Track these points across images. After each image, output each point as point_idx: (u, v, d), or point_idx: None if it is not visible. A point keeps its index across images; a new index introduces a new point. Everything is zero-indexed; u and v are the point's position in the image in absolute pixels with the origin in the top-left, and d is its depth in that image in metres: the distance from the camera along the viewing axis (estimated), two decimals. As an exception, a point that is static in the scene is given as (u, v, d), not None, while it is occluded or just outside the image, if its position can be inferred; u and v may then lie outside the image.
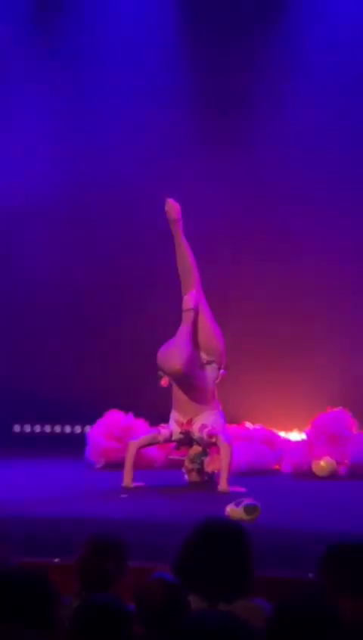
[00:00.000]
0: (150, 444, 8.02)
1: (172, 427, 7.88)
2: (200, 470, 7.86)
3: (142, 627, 3.48)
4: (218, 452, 7.70)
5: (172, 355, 7.75)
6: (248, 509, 6.28)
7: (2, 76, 10.67)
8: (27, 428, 10.69)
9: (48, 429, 10.65)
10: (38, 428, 10.68)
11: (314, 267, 10.01)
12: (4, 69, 10.66)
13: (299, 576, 4.87)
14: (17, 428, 10.67)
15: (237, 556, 3.66)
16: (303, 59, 10.15)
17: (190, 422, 7.83)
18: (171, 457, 8.27)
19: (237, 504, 6.32)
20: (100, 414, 9.15)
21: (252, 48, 10.16)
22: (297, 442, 8.91)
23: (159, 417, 8.20)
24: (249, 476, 8.15)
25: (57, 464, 8.96)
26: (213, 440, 7.71)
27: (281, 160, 10.16)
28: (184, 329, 7.90)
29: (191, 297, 7.96)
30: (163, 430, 7.88)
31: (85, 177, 10.41)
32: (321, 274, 9.98)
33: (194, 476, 7.88)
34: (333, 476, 8.41)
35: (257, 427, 9.14)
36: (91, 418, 9.27)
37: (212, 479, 7.81)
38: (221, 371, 7.94)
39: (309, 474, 8.46)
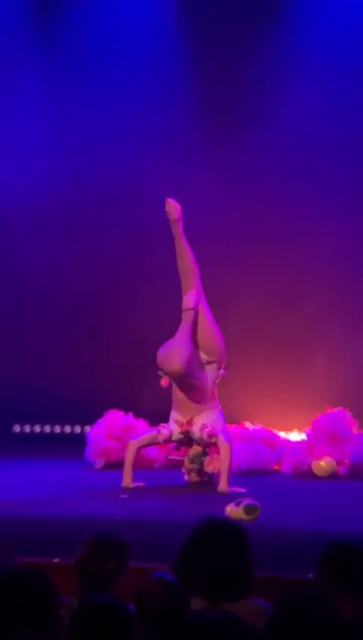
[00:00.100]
0: (149, 444, 8.02)
1: (172, 427, 7.88)
2: (200, 471, 7.87)
3: (142, 627, 3.48)
4: (218, 452, 7.70)
5: (172, 355, 7.75)
6: (248, 509, 6.28)
7: (2, 76, 10.67)
8: (27, 428, 10.70)
9: (47, 429, 10.66)
10: (38, 428, 10.68)
11: (315, 267, 10.01)
12: (5, 69, 10.66)
13: (299, 576, 4.87)
14: (17, 428, 10.68)
15: (237, 556, 3.65)
16: (304, 59, 10.15)
17: (190, 422, 7.83)
18: (171, 457, 8.27)
19: (237, 505, 6.33)
20: (100, 414, 9.15)
21: (252, 48, 10.16)
22: (297, 443, 8.91)
23: (159, 417, 8.20)
24: (249, 477, 8.15)
25: (57, 464, 8.96)
26: (213, 440, 7.71)
27: (282, 160, 10.17)
28: (183, 329, 7.90)
29: (191, 297, 7.96)
30: (163, 430, 7.88)
31: (86, 177, 10.42)
32: (321, 275, 9.98)
33: (194, 477, 7.88)
34: (333, 476, 8.41)
35: (257, 427, 9.13)
36: (91, 418, 9.27)
37: (211, 479, 7.81)
38: (221, 371, 7.94)
39: (309, 474, 8.46)
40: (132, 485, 7.65)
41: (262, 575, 3.94)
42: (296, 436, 9.25)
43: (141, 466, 8.28)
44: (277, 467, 8.83)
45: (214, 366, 7.92)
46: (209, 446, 7.82)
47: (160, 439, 7.90)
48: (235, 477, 7.72)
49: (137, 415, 9.16)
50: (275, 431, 9.24)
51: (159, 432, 7.90)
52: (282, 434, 9.32)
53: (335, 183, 10.06)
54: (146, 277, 10.26)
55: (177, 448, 8.02)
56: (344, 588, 3.49)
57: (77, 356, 10.45)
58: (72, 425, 10.50)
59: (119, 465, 8.05)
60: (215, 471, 7.73)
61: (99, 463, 8.86)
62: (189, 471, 7.92)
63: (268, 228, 10.07)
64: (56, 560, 5.26)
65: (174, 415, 7.92)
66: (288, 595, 2.87)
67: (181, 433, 7.85)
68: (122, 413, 9.14)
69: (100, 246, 10.50)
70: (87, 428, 9.56)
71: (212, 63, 10.29)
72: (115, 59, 10.52)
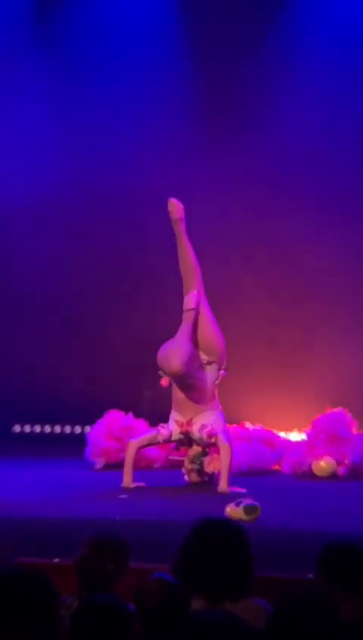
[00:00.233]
0: (149, 444, 8.02)
1: (172, 428, 7.88)
2: (200, 471, 7.86)
3: (142, 627, 3.48)
4: (218, 453, 7.70)
5: (172, 355, 7.74)
6: (248, 509, 6.28)
7: (3, 76, 10.67)
8: (27, 428, 10.70)
9: (48, 429, 10.66)
10: (38, 428, 10.69)
11: (315, 268, 10.01)
12: (4, 69, 10.66)
13: (299, 576, 4.87)
14: (17, 428, 10.68)
15: (237, 556, 3.65)
16: (304, 59, 10.15)
17: (190, 422, 7.83)
18: (171, 457, 8.27)
19: (237, 505, 6.33)
20: (100, 414, 9.15)
21: (252, 48, 10.16)
22: (297, 443, 8.91)
23: (159, 417, 8.20)
24: (249, 477, 8.15)
25: (57, 464, 8.95)
26: (213, 440, 7.71)
27: (282, 159, 10.17)
28: (184, 329, 7.89)
29: (192, 297, 7.95)
30: (163, 430, 7.88)
31: (86, 177, 10.42)
32: (321, 276, 9.98)
33: (194, 477, 7.88)
34: (333, 476, 8.40)
35: (257, 427, 9.13)
36: (91, 418, 9.27)
37: (212, 479, 7.81)
38: (222, 371, 7.94)
39: (309, 474, 8.46)
40: (132, 485, 7.65)
41: (262, 575, 3.94)
42: (296, 436, 9.24)
43: (141, 466, 8.29)
44: (277, 467, 8.83)
45: (214, 366, 7.91)
46: (209, 446, 7.82)
47: (160, 439, 7.90)
48: (235, 477, 7.72)
49: (137, 415, 9.15)
50: (275, 431, 9.24)
51: (158, 432, 7.90)
52: (282, 434, 9.31)
53: (335, 183, 10.06)
54: (147, 277, 10.26)
55: (177, 449, 8.02)
56: (344, 588, 3.49)
57: (77, 356, 10.45)
58: (72, 425, 10.50)
59: (119, 465, 8.06)
60: (215, 471, 7.73)
61: (99, 463, 8.86)
62: (189, 471, 7.92)
63: (269, 227, 10.07)
64: (56, 560, 5.26)
65: (174, 415, 7.92)
66: (288, 595, 2.87)
67: (181, 433, 7.85)
68: (122, 413, 9.14)
69: (100, 246, 10.51)
70: (87, 428, 9.56)
71: (212, 63, 10.29)
72: (115, 59, 10.52)
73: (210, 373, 7.91)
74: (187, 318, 7.93)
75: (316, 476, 8.43)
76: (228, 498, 6.76)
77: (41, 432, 10.68)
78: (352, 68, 10.07)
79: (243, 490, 7.29)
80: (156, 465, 8.81)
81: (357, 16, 10.17)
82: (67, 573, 4.14)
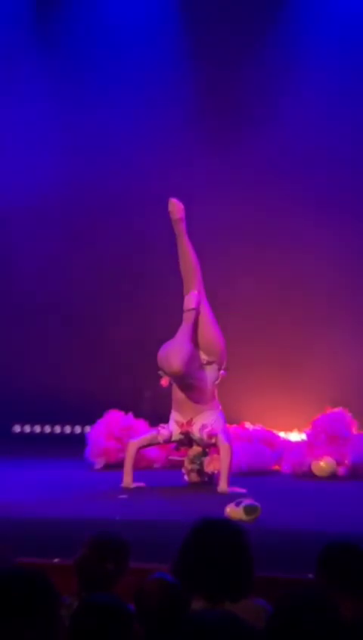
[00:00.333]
0: (149, 444, 8.02)
1: (172, 428, 7.88)
2: (200, 471, 7.86)
3: (142, 627, 3.48)
4: (218, 453, 7.70)
5: (172, 355, 7.74)
6: (248, 509, 6.28)
7: (3, 76, 10.67)
8: (27, 428, 10.70)
9: (48, 429, 10.66)
10: (38, 428, 10.69)
11: (315, 268, 10.01)
12: (5, 69, 10.67)
13: (299, 576, 4.87)
14: (17, 428, 10.68)
15: (237, 556, 3.65)
16: (304, 59, 10.15)
17: (190, 422, 7.83)
18: (171, 457, 8.27)
19: (237, 505, 6.33)
20: (100, 414, 9.15)
21: (252, 48, 10.16)
22: (297, 443, 8.91)
23: (159, 417, 8.20)
24: (249, 477, 8.15)
25: (57, 464, 8.95)
26: (213, 441, 7.71)
27: (282, 159, 10.17)
28: (184, 329, 7.89)
29: (193, 297, 7.95)
30: (163, 431, 7.88)
31: (86, 177, 10.42)
32: (321, 276, 9.99)
33: (194, 477, 7.88)
34: (332, 476, 8.40)
35: (257, 427, 9.13)
36: (91, 418, 9.27)
37: (211, 479, 7.81)
38: (222, 371, 7.94)
39: (309, 474, 8.46)
40: (132, 485, 7.65)
41: (262, 575, 3.94)
42: (296, 436, 9.24)
43: (141, 466, 8.29)
44: (277, 467, 8.83)
45: (214, 366, 7.91)
46: (209, 447, 7.82)
47: (160, 439, 7.90)
48: (235, 477, 7.72)
49: (137, 415, 9.16)
50: (275, 431, 9.24)
51: (159, 432, 7.90)
52: (282, 434, 9.32)
53: (335, 183, 10.07)
54: (147, 277, 10.26)
55: (177, 449, 8.01)
56: (344, 588, 3.49)
57: (77, 356, 10.45)
58: (72, 425, 10.50)
59: (119, 465, 8.06)
60: (215, 471, 7.73)
61: (99, 463, 8.86)
62: (189, 472, 7.92)
63: (269, 227, 10.07)
64: (56, 560, 5.26)
65: (174, 415, 7.92)
66: (288, 595, 2.86)
67: (181, 433, 7.85)
68: (122, 413, 9.14)
69: (100, 246, 10.51)
70: (87, 428, 9.56)
71: (212, 63, 10.30)
72: (115, 59, 10.52)
73: (210, 373, 7.91)
74: (188, 318, 7.93)
75: (316, 476, 8.43)
76: (228, 498, 6.76)
77: (41, 432, 10.68)
78: (352, 68, 10.07)
79: (243, 490, 7.29)
80: (156, 465, 8.81)
81: (357, 16, 10.17)
82: (67, 573, 4.14)
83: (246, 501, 6.37)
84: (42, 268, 10.59)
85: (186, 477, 7.94)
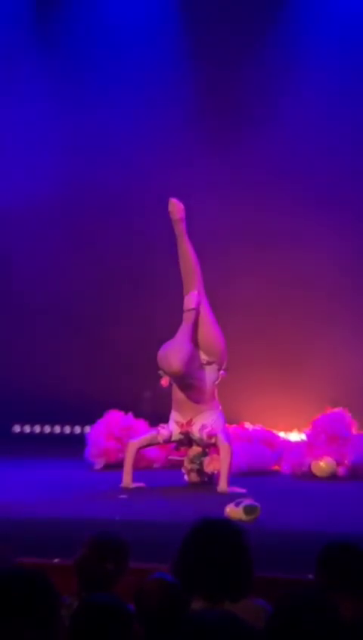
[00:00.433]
0: (149, 444, 8.02)
1: (172, 428, 7.88)
2: (200, 471, 7.87)
3: (142, 627, 3.48)
4: (217, 453, 7.70)
5: (172, 355, 7.75)
6: (247, 509, 6.28)
7: (3, 76, 10.67)
8: (27, 428, 10.70)
9: (47, 429, 10.66)
10: (38, 428, 10.69)
11: (315, 268, 10.01)
12: (5, 69, 10.67)
13: (299, 576, 4.87)
14: (17, 428, 10.68)
15: (237, 556, 3.65)
16: (304, 58, 10.15)
17: (189, 423, 7.83)
18: (171, 457, 8.27)
19: (237, 505, 6.33)
20: (100, 414, 9.15)
21: (252, 48, 10.16)
22: (297, 443, 8.90)
23: (159, 417, 8.20)
24: (249, 477, 8.15)
25: (57, 464, 8.95)
26: (213, 441, 7.71)
27: (283, 161, 10.17)
28: (184, 329, 7.90)
29: (193, 297, 7.95)
30: (163, 431, 7.88)
31: (86, 177, 10.42)
32: (321, 276, 9.98)
33: (194, 477, 7.88)
34: (332, 476, 8.40)
35: (257, 427, 9.13)
36: (91, 418, 9.27)
37: (211, 479, 7.81)
38: (221, 371, 7.94)
39: (309, 475, 8.46)
40: (132, 485, 7.65)
41: (262, 575, 3.94)
42: (296, 436, 9.24)
43: (141, 466, 8.29)
44: (276, 467, 8.83)
45: (214, 367, 7.92)
46: (208, 447, 7.82)
47: (160, 439, 7.90)
48: (235, 477, 7.72)
49: (137, 415, 9.16)
50: (275, 431, 9.24)
51: (158, 432, 7.90)
52: (282, 434, 9.32)
53: (335, 183, 10.06)
54: (147, 277, 10.26)
55: (177, 449, 8.02)
56: (344, 588, 3.49)
57: (77, 356, 10.44)
58: (72, 425, 10.50)
59: (119, 465, 8.06)
60: (215, 471, 7.73)
61: (99, 463, 8.86)
62: (189, 471, 7.92)
63: (269, 227, 10.07)
64: (56, 560, 5.26)
65: (174, 416, 7.92)
66: (288, 595, 2.86)
67: (181, 433, 7.85)
68: (122, 413, 9.14)
69: (100, 246, 10.51)
70: (87, 428, 9.56)
71: (212, 63, 10.29)
72: (115, 59, 10.52)
73: (210, 373, 7.91)
74: (188, 318, 7.93)
75: (316, 476, 8.43)
76: (228, 498, 6.76)
77: (41, 432, 10.68)
78: (352, 68, 10.07)
79: (243, 490, 7.29)
80: (156, 465, 8.81)
81: (357, 16, 10.17)
82: (67, 573, 4.14)
83: (246, 501, 6.37)
84: (42, 268, 10.58)
85: (186, 477, 7.94)
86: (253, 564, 3.68)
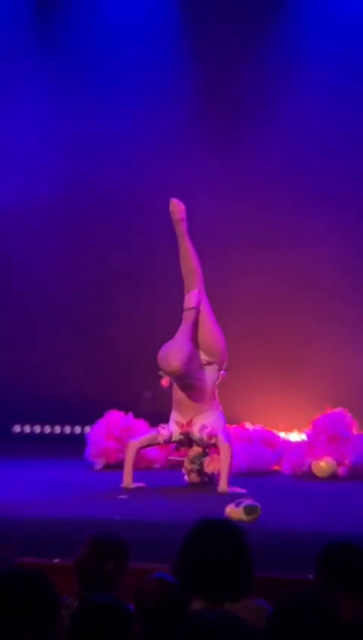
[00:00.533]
0: (149, 444, 8.02)
1: (172, 428, 7.88)
2: (200, 471, 7.86)
3: (142, 627, 3.48)
4: (218, 453, 7.70)
5: (172, 354, 7.74)
6: (248, 509, 6.28)
7: (3, 76, 10.67)
8: (27, 428, 10.70)
9: (48, 429, 10.66)
10: (38, 428, 10.69)
11: (315, 268, 10.01)
12: (5, 69, 10.67)
13: (299, 576, 4.87)
14: (17, 428, 10.68)
15: (237, 556, 3.65)
16: (304, 58, 10.15)
17: (190, 423, 7.83)
18: (171, 458, 8.27)
19: (237, 505, 6.33)
20: (100, 415, 9.15)
21: (252, 48, 10.16)
22: (297, 443, 8.91)
23: (159, 417, 8.19)
24: (249, 477, 8.15)
25: (57, 465, 8.95)
26: (213, 441, 7.71)
27: (283, 161, 10.17)
28: (184, 328, 7.89)
29: (193, 296, 7.95)
30: (163, 431, 7.88)
31: (86, 177, 10.42)
32: (321, 276, 9.98)
33: (194, 477, 7.88)
34: (333, 476, 8.40)
35: (257, 427, 9.13)
36: (91, 418, 9.27)
37: (211, 479, 7.81)
38: (222, 372, 7.94)
39: (309, 475, 8.46)
40: (132, 485, 7.65)
41: (262, 575, 3.94)
42: (296, 436, 9.24)
43: (141, 466, 8.29)
44: (277, 467, 8.83)
45: (214, 367, 7.91)
46: (209, 447, 7.82)
47: (160, 439, 7.89)
48: (235, 478, 7.72)
49: (137, 415, 9.16)
50: (275, 431, 9.24)
51: (159, 432, 7.90)
52: (282, 434, 9.31)
53: (335, 182, 10.07)
54: (147, 277, 10.26)
55: (177, 449, 8.01)
56: (344, 588, 3.49)
57: (77, 356, 10.44)
58: (72, 425, 10.50)
59: (119, 465, 8.06)
60: (215, 472, 7.73)
61: (99, 463, 8.86)
62: (189, 472, 7.91)
63: (269, 227, 10.07)
64: (56, 560, 5.26)
65: (174, 416, 7.92)
66: (288, 595, 2.86)
67: (181, 433, 7.85)
68: (122, 413, 9.14)
69: (100, 246, 10.51)
70: (87, 428, 9.56)
71: (212, 63, 10.30)
72: (115, 59, 10.52)
73: (210, 373, 7.91)
74: (188, 317, 7.93)
75: (316, 476, 8.43)
76: (228, 498, 6.76)
77: (41, 432, 10.68)
78: (352, 68, 10.07)
79: (243, 490, 7.29)
80: (156, 466, 8.81)
81: (357, 16, 10.17)
82: (67, 573, 4.14)
83: (246, 502, 6.37)
84: (42, 268, 10.59)
85: (186, 477, 7.93)
86: (253, 564, 3.68)
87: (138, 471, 7.87)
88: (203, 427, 7.77)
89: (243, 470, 8.34)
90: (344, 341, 9.86)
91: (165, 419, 7.96)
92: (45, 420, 10.60)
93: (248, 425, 9.13)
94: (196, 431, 7.80)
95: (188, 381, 7.83)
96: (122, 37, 10.55)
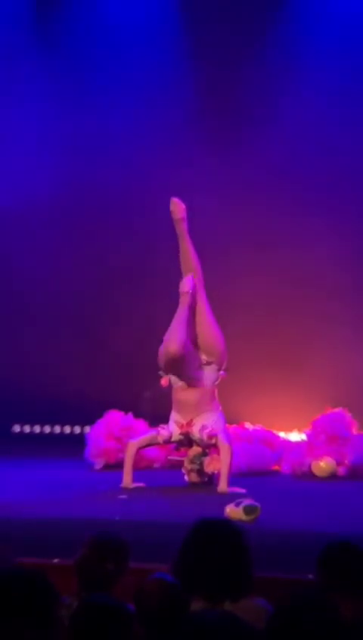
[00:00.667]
0: (149, 444, 8.01)
1: (172, 428, 7.88)
2: (200, 471, 7.86)
3: (142, 627, 3.48)
4: (217, 453, 7.70)
5: (169, 340, 7.75)
6: (247, 509, 6.28)
7: (3, 76, 10.67)
8: (27, 428, 10.70)
9: (47, 429, 10.66)
10: (38, 428, 10.69)
11: (315, 268, 10.01)
12: (5, 69, 10.67)
13: (299, 576, 4.87)
14: (17, 428, 10.68)
15: (237, 556, 3.65)
16: (304, 58, 10.15)
17: (190, 423, 7.82)
18: (171, 457, 8.27)
19: (237, 505, 6.33)
20: (100, 414, 9.15)
21: (252, 48, 10.16)
22: (297, 443, 8.91)
23: (159, 417, 8.19)
24: (249, 477, 8.15)
25: (57, 465, 8.95)
26: (213, 441, 7.71)
27: (283, 161, 10.17)
28: (179, 313, 7.87)
29: (188, 280, 7.94)
30: (163, 431, 7.87)
31: (86, 177, 10.42)
32: (321, 276, 9.99)
33: (194, 477, 7.88)
34: (332, 476, 8.40)
35: (257, 427, 9.13)
36: (91, 418, 9.27)
37: (211, 479, 7.80)
38: (221, 372, 7.94)
39: (309, 475, 8.46)
40: (132, 485, 7.65)
41: (262, 575, 3.94)
42: (296, 436, 9.24)
43: (141, 466, 8.29)
44: (276, 467, 8.83)
45: (214, 367, 7.92)
46: (208, 447, 7.81)
47: (160, 439, 7.89)
48: (235, 478, 7.71)
49: (137, 415, 9.15)
50: (275, 432, 9.24)
51: (159, 433, 7.89)
52: (282, 434, 9.31)
53: (335, 183, 10.06)
54: (147, 277, 10.26)
55: (177, 449, 8.01)
56: (344, 588, 3.49)
57: (77, 356, 10.44)
58: (72, 425, 10.50)
59: (119, 465, 8.05)
60: (215, 472, 7.73)
61: (99, 463, 8.86)
62: (189, 472, 7.91)
63: (269, 227, 10.07)
64: (56, 560, 5.26)
65: (174, 416, 7.92)
66: (288, 595, 2.86)
67: (181, 434, 7.84)
68: (122, 413, 9.14)
69: (100, 246, 10.51)
70: (87, 428, 9.56)
71: (212, 63, 10.29)
72: (115, 59, 10.52)
73: (210, 373, 7.90)
74: (183, 302, 7.91)
75: (316, 476, 8.43)
76: (228, 498, 6.76)
77: (41, 432, 10.68)
78: (352, 68, 10.08)
79: (243, 490, 7.29)
80: (156, 465, 8.81)
81: (357, 16, 10.17)
82: (67, 573, 4.14)
83: (246, 502, 6.37)
84: (42, 268, 10.58)
85: (186, 477, 7.93)
86: (253, 564, 3.69)
87: (138, 471, 7.87)
88: (203, 428, 7.77)
89: (243, 470, 8.34)
90: (344, 341, 9.86)
91: (165, 419, 7.96)
92: (45, 420, 10.60)
93: (248, 425, 9.13)
94: (196, 431, 7.80)
95: (188, 373, 7.82)
96: (122, 37, 10.55)
